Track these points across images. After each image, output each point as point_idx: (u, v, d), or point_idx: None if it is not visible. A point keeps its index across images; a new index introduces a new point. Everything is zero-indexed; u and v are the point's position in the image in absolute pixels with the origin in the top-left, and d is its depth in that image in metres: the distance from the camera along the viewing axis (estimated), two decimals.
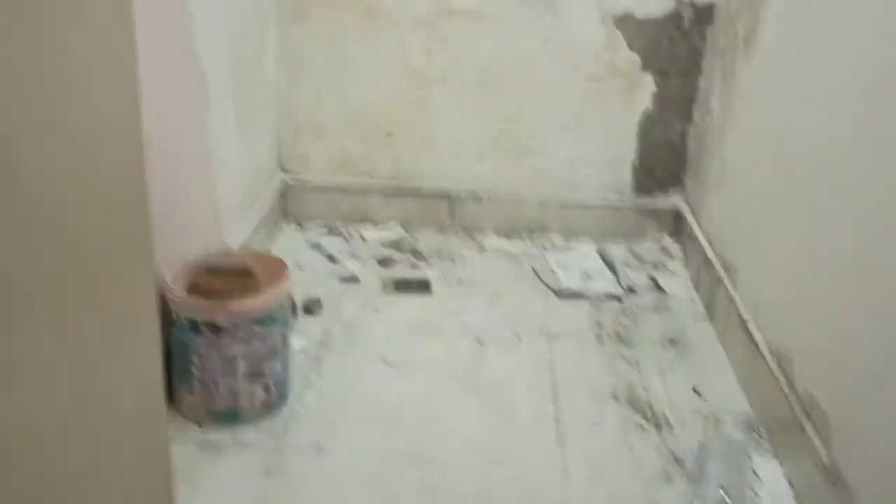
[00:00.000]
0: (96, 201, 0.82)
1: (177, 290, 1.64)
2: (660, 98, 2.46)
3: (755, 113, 2.03)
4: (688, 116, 2.47)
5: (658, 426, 1.77)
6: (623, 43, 2.40)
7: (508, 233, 2.64)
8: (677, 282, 2.41)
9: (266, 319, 1.66)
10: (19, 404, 0.73)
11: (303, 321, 2.08)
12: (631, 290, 2.34)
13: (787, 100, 1.81)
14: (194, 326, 1.62)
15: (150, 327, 0.99)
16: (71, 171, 0.78)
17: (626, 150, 2.53)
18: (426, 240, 2.61)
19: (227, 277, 1.70)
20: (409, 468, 1.61)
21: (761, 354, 1.80)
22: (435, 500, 1.53)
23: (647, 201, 2.60)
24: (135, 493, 0.98)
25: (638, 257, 2.53)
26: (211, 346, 1.63)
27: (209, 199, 2.04)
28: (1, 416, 0.71)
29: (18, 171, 0.69)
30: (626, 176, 2.57)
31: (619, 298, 2.31)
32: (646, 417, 1.80)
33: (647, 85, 2.44)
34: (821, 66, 1.65)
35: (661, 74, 2.43)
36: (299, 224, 2.65)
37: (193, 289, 1.68)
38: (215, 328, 1.61)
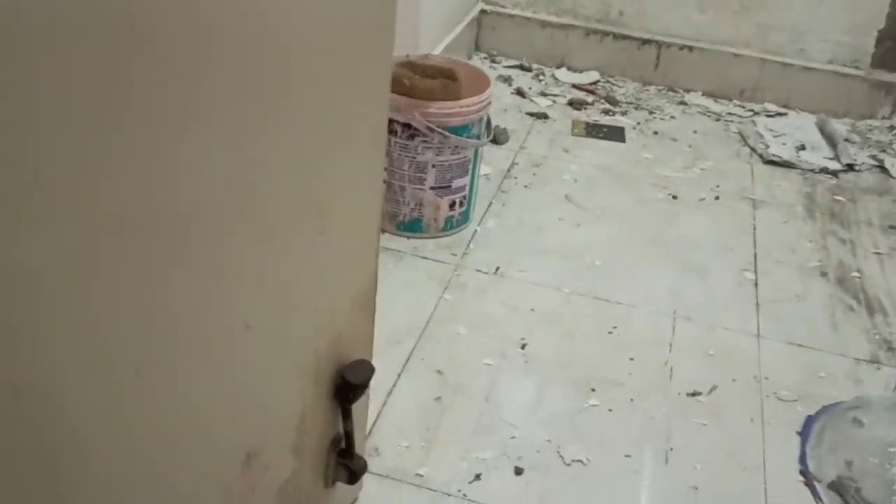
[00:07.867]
0: None
1: None
2: None
3: None
4: None
5: (871, 310, 1.59)
6: None
7: (716, 93, 2.41)
8: None
9: (463, 130, 1.57)
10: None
11: (488, 148, 1.99)
12: (850, 168, 2.09)
13: None
14: (388, 126, 1.55)
15: (380, 117, 0.92)
16: None
17: (875, 14, 2.21)
18: (624, 89, 2.42)
19: (428, 77, 1.61)
20: (588, 306, 1.53)
21: None
22: (613, 342, 1.45)
23: (885, 75, 2.28)
24: (347, 282, 0.93)
25: (863, 135, 2.25)
26: (403, 150, 1.57)
27: (413, 9, 1.94)
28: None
29: None
30: (867, 44, 2.25)
31: (835, 174, 2.07)
32: (857, 299, 1.62)
33: None
34: None
35: None
36: (491, 58, 2.52)
37: (393, 86, 1.60)
38: (410, 130, 1.55)
